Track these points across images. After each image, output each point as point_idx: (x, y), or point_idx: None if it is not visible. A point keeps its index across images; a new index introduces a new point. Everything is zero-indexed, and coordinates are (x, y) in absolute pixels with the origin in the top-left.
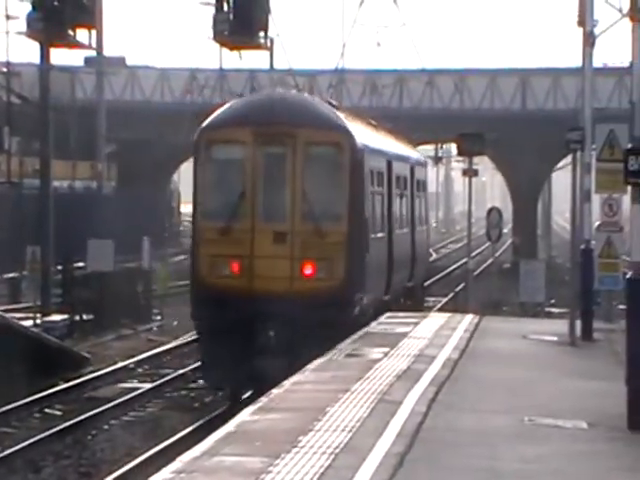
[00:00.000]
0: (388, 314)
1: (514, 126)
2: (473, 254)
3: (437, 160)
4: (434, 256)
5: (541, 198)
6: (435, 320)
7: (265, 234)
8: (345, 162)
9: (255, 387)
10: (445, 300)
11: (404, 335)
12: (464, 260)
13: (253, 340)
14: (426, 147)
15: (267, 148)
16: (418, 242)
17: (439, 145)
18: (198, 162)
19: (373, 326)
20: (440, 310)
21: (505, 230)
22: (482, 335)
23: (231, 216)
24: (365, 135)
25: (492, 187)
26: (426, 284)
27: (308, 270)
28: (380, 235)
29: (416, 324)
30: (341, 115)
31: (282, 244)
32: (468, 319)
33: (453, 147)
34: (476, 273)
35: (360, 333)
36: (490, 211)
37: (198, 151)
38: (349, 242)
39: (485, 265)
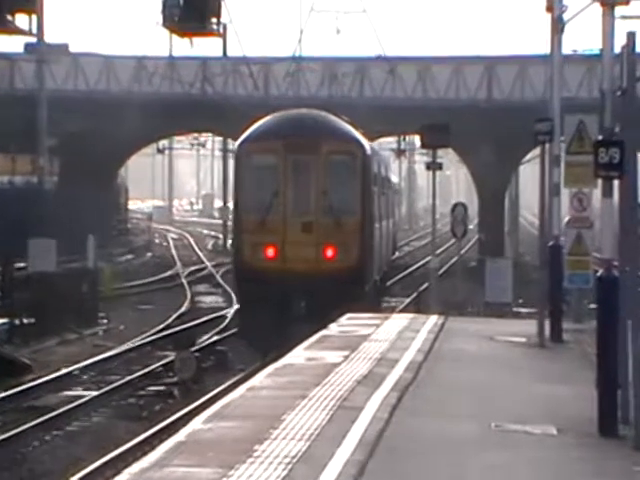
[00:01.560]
0: (348, 315)
1: (480, 117)
2: (437, 252)
3: (399, 153)
4: (396, 254)
5: (508, 193)
6: (397, 322)
7: (294, 225)
8: (358, 167)
9: (279, 349)
10: (408, 301)
11: (365, 337)
12: (428, 258)
13: (287, 309)
14: (388, 139)
15: (296, 156)
16: (393, 232)
17: (402, 137)
18: (239, 168)
19: (332, 328)
20: (403, 311)
21: (471, 226)
22: (447, 337)
23: (267, 210)
24: (367, 144)
25: (457, 181)
26: (388, 283)
27: (329, 253)
28: (377, 225)
29: (377, 326)
30: (353, 129)
31: (308, 233)
32: (432, 320)
33: (416, 139)
34: (440, 272)
35: (318, 336)
36: (455, 206)
37: (239, 159)
38: (362, 231)
39: (450, 263)
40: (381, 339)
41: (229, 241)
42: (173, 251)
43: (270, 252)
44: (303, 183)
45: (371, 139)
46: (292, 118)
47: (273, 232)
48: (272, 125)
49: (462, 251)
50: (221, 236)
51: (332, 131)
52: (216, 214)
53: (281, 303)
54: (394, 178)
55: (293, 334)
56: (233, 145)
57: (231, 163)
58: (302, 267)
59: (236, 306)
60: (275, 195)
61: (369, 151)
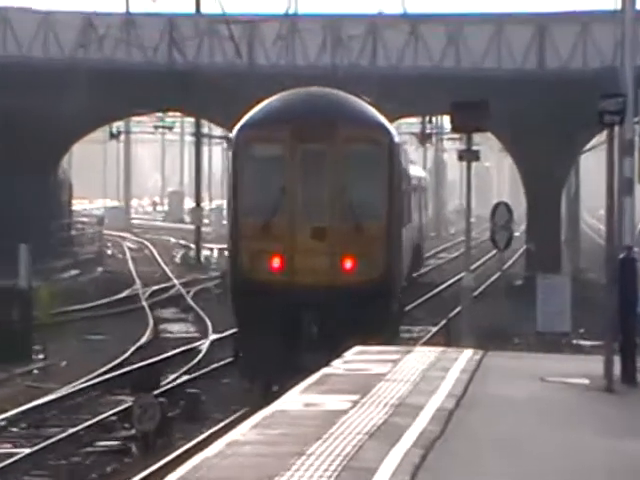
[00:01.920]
0: (358, 348)
1: (529, 91)
2: (473, 266)
3: (424, 139)
4: (421, 269)
5: (566, 190)
6: (422, 357)
7: (305, 230)
8: (384, 158)
9: (285, 381)
10: (435, 330)
11: (379, 377)
12: (461, 275)
13: (296, 333)
14: (409, 121)
15: (306, 145)
16: (417, 240)
17: (426, 118)
18: (237, 160)
19: (336, 365)
20: (428, 343)
21: (517, 233)
22: (485, 377)
23: (272, 212)
24: (394, 130)
25: (499, 175)
26: (407, 308)
27: (348, 265)
28: (403, 229)
29: (395, 362)
30: (377, 112)
31: (321, 240)
32: (466, 355)
33: (446, 121)
34: (477, 293)
35: (318, 374)
36: (496, 207)
37: (237, 149)
38: (388, 237)
39: (489, 282)
40: (400, 379)
41: (204, 252)
42: (131, 265)
43: (275, 263)
44: (315, 178)
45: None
46: (303, 99)
47: (279, 239)
48: (277, 107)
49: (505, 265)
50: (193, 246)
51: (351, 114)
52: (187, 217)
53: (288, 325)
54: (419, 171)
55: (303, 365)
56: (209, 128)
57: (206, 151)
58: (314, 281)
59: (212, 336)
60: (282, 193)
61: (397, 139)
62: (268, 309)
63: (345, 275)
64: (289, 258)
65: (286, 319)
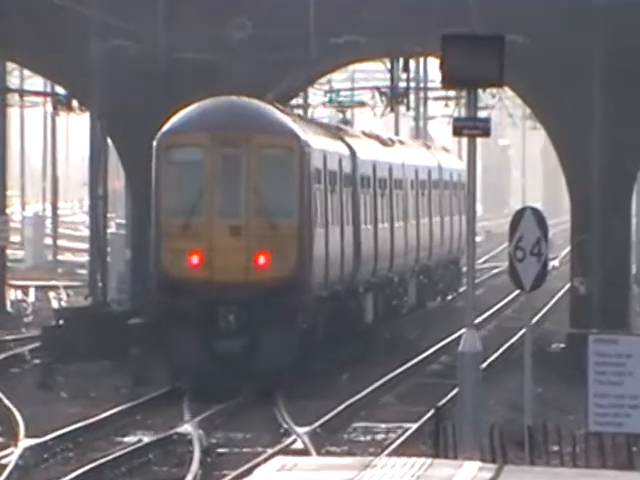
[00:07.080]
0: (280, 460)
1: (571, 23)
2: (480, 319)
3: (395, 98)
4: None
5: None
6: (391, 474)
7: (222, 228)
8: (295, 163)
9: (211, 373)
10: (415, 426)
11: None
12: (459, 333)
13: (214, 325)
14: (370, 67)
15: (223, 150)
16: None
17: (399, 64)
18: (159, 164)
19: None
20: (402, 452)
21: (555, 262)
22: None
23: (190, 212)
24: (308, 135)
25: (525, 162)
26: (367, 389)
27: (262, 261)
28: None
29: None
30: (290, 119)
31: (237, 237)
32: (468, 472)
33: (433, 68)
34: (486, 364)
35: None
36: (519, 217)
37: (159, 154)
38: (299, 235)
39: (507, 344)
40: None
41: (12, 294)
42: None
43: (194, 259)
44: (232, 181)
45: (342, 64)
46: (221, 107)
47: (197, 237)
48: (198, 115)
49: (535, 318)
50: None
51: (266, 122)
52: None
53: (207, 318)
54: (452, 161)
55: (223, 352)
56: (20, 79)
57: (16, 117)
58: (231, 276)
59: (25, 442)
60: (200, 195)
61: (306, 144)
62: (187, 303)
63: (259, 270)
64: (207, 255)
65: (204, 312)
